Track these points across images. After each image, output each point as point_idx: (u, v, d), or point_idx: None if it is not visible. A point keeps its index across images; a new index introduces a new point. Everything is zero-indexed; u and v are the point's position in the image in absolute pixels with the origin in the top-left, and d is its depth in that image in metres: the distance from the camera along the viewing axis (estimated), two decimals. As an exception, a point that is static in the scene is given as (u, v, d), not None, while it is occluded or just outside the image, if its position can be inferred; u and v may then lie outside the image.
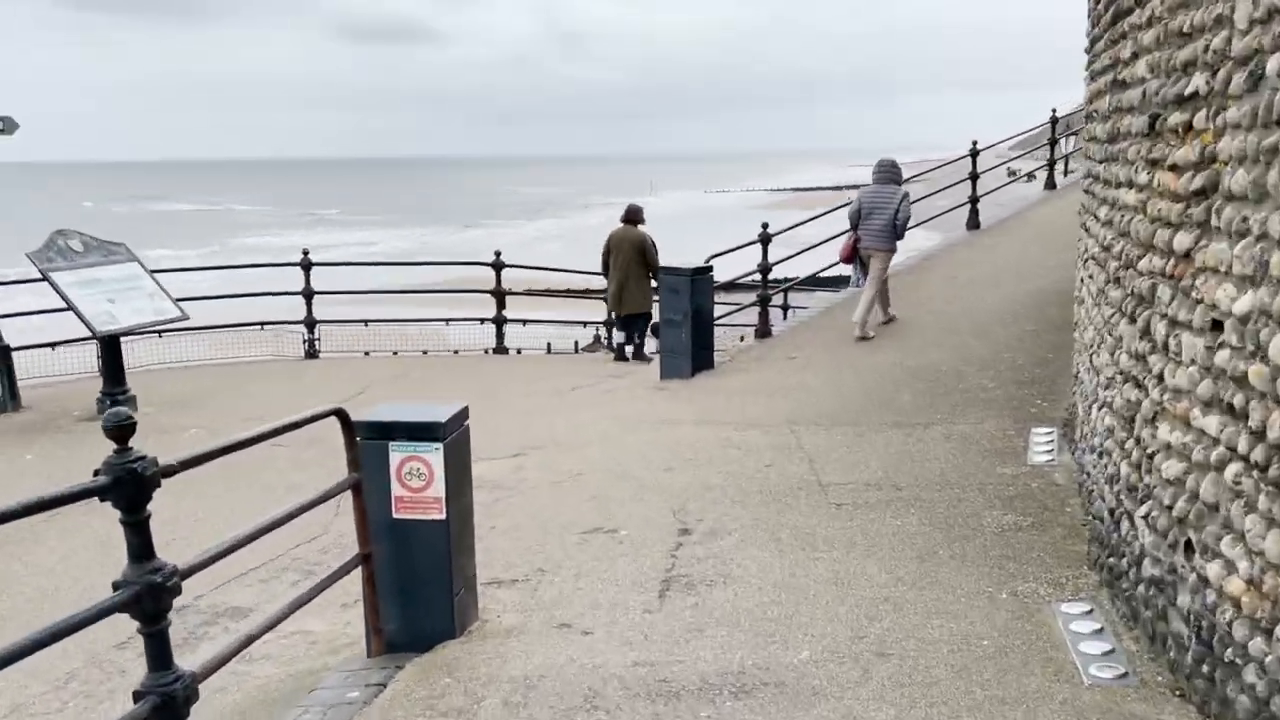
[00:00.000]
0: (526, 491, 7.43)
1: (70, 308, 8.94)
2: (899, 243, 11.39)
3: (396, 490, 4.96)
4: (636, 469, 7.73)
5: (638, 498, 7.03)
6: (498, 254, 12.78)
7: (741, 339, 13.22)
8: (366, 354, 12.66)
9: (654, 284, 12.10)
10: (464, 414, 5.21)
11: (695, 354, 10.77)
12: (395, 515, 4.97)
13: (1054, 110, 18.95)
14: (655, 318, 12.18)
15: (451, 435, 5.02)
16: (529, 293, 14.27)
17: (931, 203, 15.71)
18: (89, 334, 9.79)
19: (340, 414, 4.71)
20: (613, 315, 12.93)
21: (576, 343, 20.39)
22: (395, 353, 12.72)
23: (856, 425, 8.39)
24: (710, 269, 10.95)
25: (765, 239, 11.94)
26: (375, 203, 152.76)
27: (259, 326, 12.30)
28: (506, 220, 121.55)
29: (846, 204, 16.77)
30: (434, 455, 4.93)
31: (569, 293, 16.12)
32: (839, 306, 12.98)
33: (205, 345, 12.39)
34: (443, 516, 4.95)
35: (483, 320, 13.02)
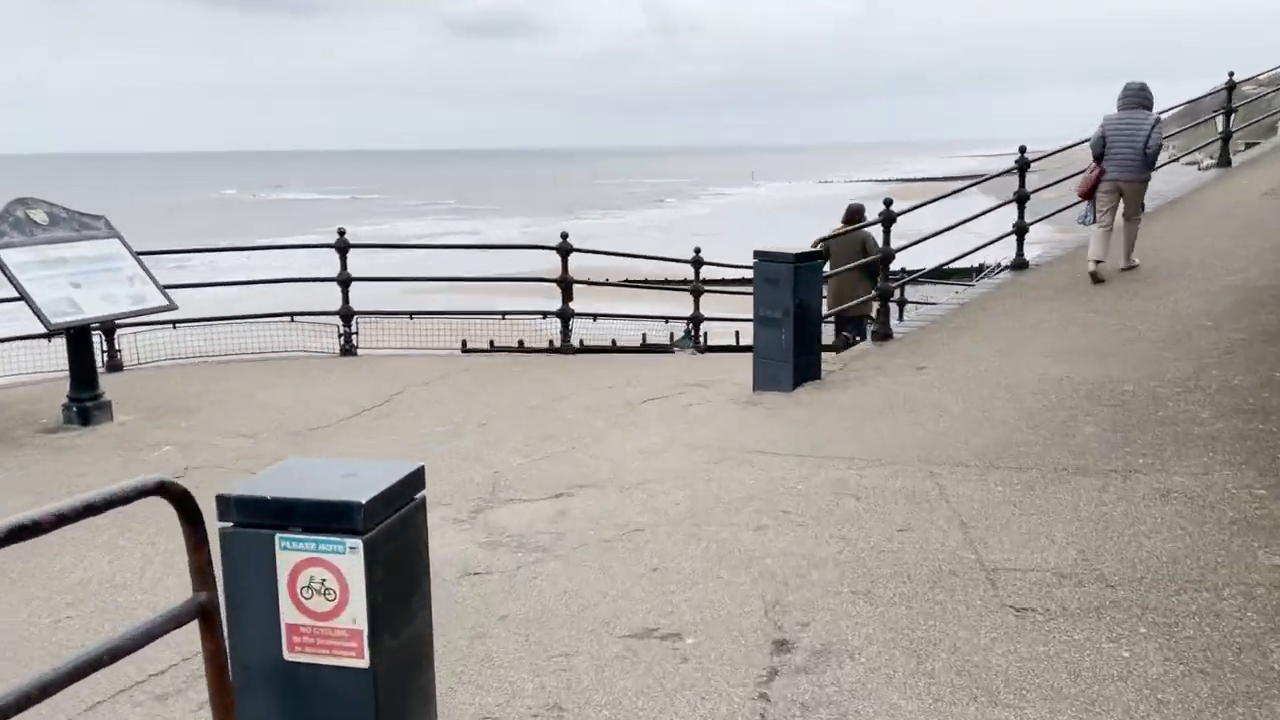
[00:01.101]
0: (565, 554, 5.33)
1: (20, 294, 7.15)
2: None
3: (289, 614, 2.91)
4: (716, 524, 5.58)
5: (714, 573, 4.89)
6: (564, 235, 10.72)
7: (849, 340, 10.92)
8: (412, 351, 10.76)
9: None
10: (413, 482, 3.12)
11: (798, 361, 8.55)
12: (286, 656, 2.93)
13: (1230, 75, 16.06)
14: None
15: (383, 523, 2.93)
16: (594, 283, 12.15)
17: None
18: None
19: (169, 491, 2.64)
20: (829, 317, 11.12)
21: (671, 335, 18.23)
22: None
23: (1022, 469, 6.08)
24: (820, 255, 8.69)
25: (888, 219, 9.61)
26: (480, 193, 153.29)
27: (288, 319, 10.50)
28: (608, 210, 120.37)
29: (971, 184, 14.44)
30: (348, 560, 2.85)
31: (647, 283, 13.91)
32: (976, 303, 10.57)
33: (226, 339, 10.62)
34: (364, 663, 2.89)
35: (545, 314, 11.00)
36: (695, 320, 12.13)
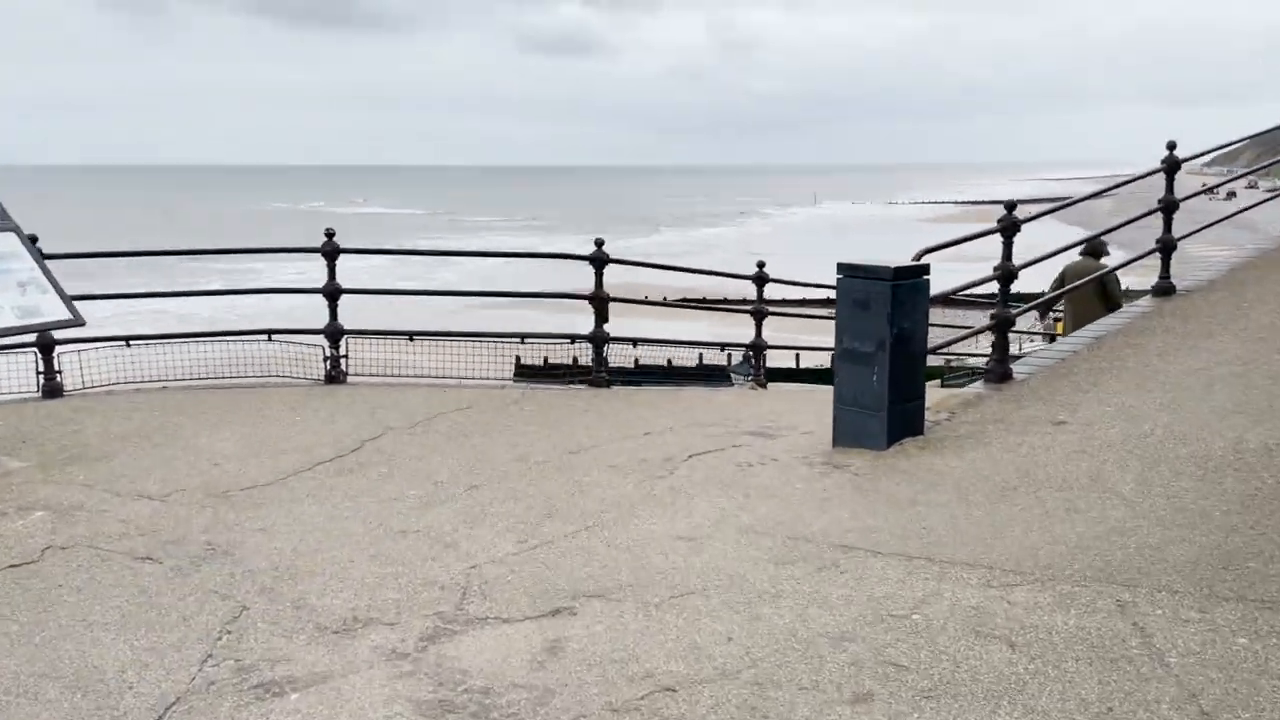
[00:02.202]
0: (545, 733, 3.27)
1: None
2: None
3: None
4: (789, 686, 3.50)
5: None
6: (599, 243, 8.67)
7: (947, 375, 8.72)
8: (415, 380, 8.77)
9: None
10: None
11: (895, 410, 6.39)
12: None
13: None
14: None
15: None
16: (632, 300, 10.05)
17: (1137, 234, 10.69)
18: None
19: None
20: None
21: (729, 358, 16.24)
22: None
23: (1266, 602, 3.89)
24: (925, 270, 6.50)
25: (1010, 226, 7.40)
26: (546, 208, 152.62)
27: (265, 337, 8.57)
28: (670, 226, 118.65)
29: (1096, 194, 12.12)
30: None
31: (696, 302, 11.72)
32: (1117, 338, 8.29)
33: (198, 360, 8.74)
34: None
35: (573, 339, 8.93)
36: (757, 349, 10.02)
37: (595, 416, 7.70)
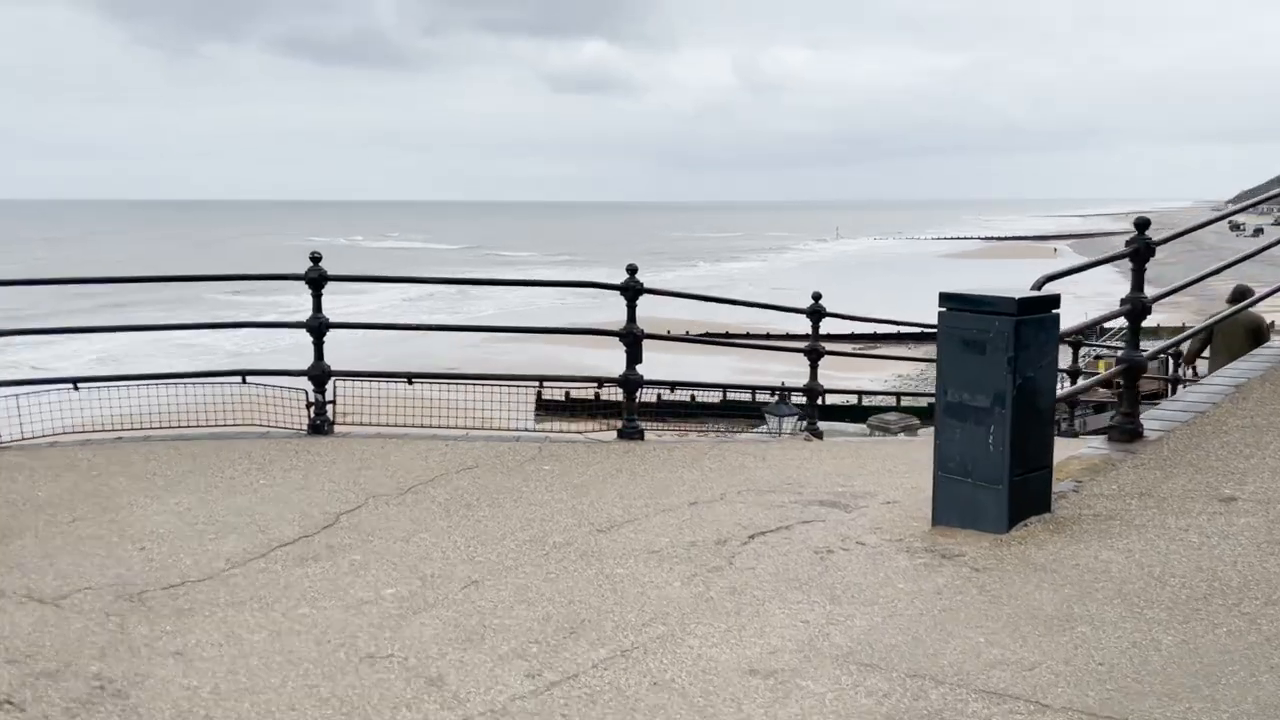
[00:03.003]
0: None
1: None
2: None
3: None
4: None
5: None
6: (632, 270, 7.24)
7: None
8: (416, 428, 7.33)
9: None
10: None
11: (1018, 482, 4.90)
12: None
13: None
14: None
15: None
16: (670, 337, 8.59)
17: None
18: None
19: None
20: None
21: (774, 392, 14.82)
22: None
23: None
24: (1055, 303, 5.01)
25: (1142, 250, 5.91)
26: (574, 243, 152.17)
27: (239, 380, 7.18)
28: (696, 261, 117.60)
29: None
30: None
31: (747, 339, 10.21)
32: (1267, 381, 6.75)
33: (159, 405, 7.34)
34: None
35: (600, 383, 7.48)
36: (812, 394, 8.55)
37: (628, 478, 6.24)
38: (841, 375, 44.55)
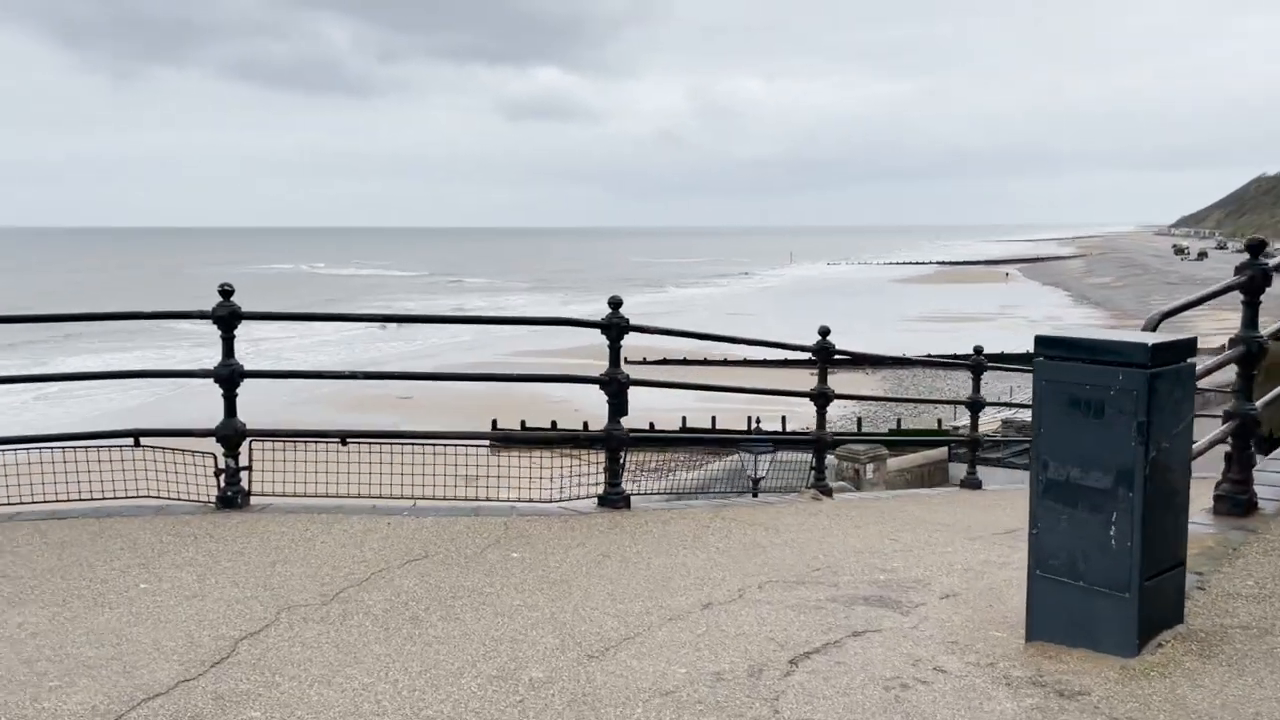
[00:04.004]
0: None
1: None
2: None
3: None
4: None
5: None
6: (615, 304, 5.89)
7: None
8: (352, 499, 5.90)
9: None
10: None
11: (1150, 588, 3.65)
12: None
13: None
14: None
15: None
16: (663, 384, 7.22)
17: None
18: None
19: None
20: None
21: (750, 421, 13.84)
22: (415, 502, 5.82)
23: None
24: (1192, 349, 3.77)
25: (1258, 276, 4.69)
26: (521, 270, 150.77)
27: (131, 443, 5.73)
28: (654, 287, 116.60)
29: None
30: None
31: (746, 389, 8.84)
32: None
33: (36, 472, 5.86)
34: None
35: (576, 439, 6.09)
36: (820, 445, 7.26)
37: (618, 567, 4.88)
38: (801, 402, 43.66)
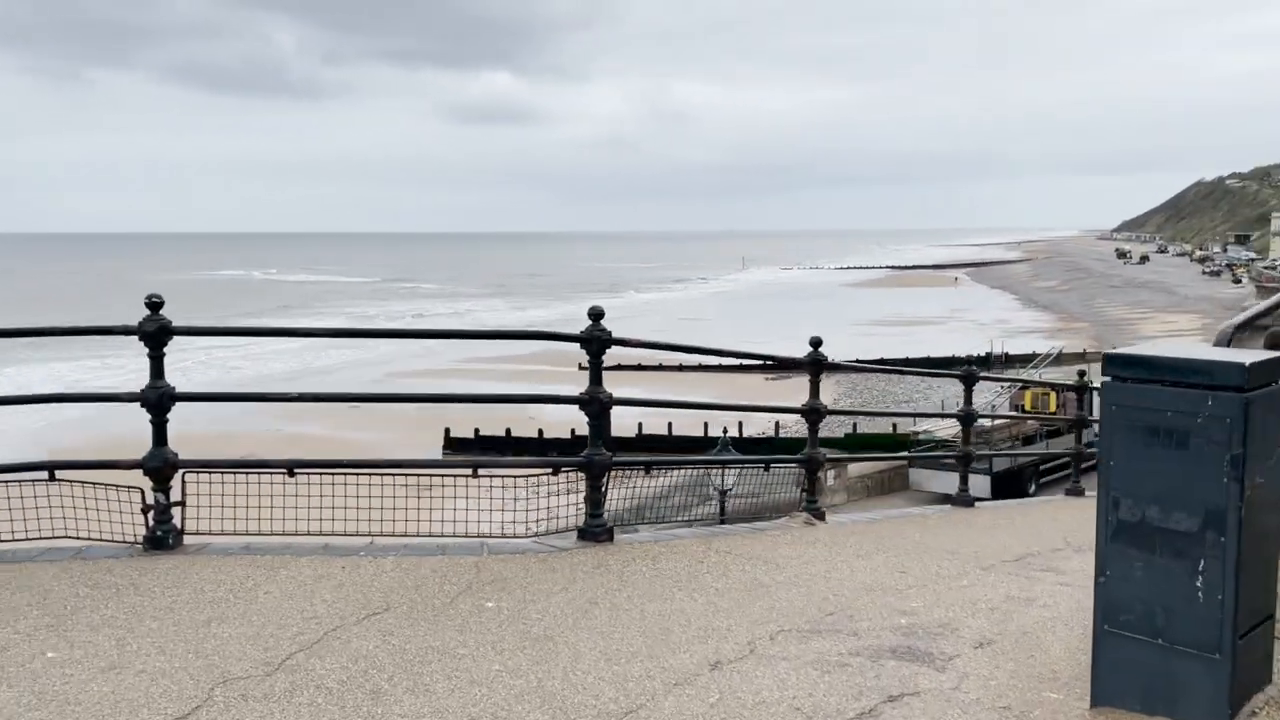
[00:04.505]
0: None
1: None
2: None
3: None
4: None
5: None
6: (596, 315, 5.26)
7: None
8: (300, 537, 5.20)
9: None
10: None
11: (1241, 643, 3.11)
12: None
13: None
14: None
15: None
16: (644, 402, 6.62)
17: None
18: None
19: None
20: None
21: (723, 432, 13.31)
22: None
23: None
24: (1285, 367, 3.27)
25: None
26: (470, 276, 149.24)
27: (45, 476, 4.99)
28: (611, 292, 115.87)
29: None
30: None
31: (736, 406, 8.24)
32: None
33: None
34: None
35: (556, 468, 5.45)
36: (813, 465, 6.69)
37: (608, 616, 4.26)
38: (748, 404, 43.26)
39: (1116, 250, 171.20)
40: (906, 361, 50.84)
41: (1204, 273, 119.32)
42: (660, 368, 48.22)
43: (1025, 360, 53.28)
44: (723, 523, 13.23)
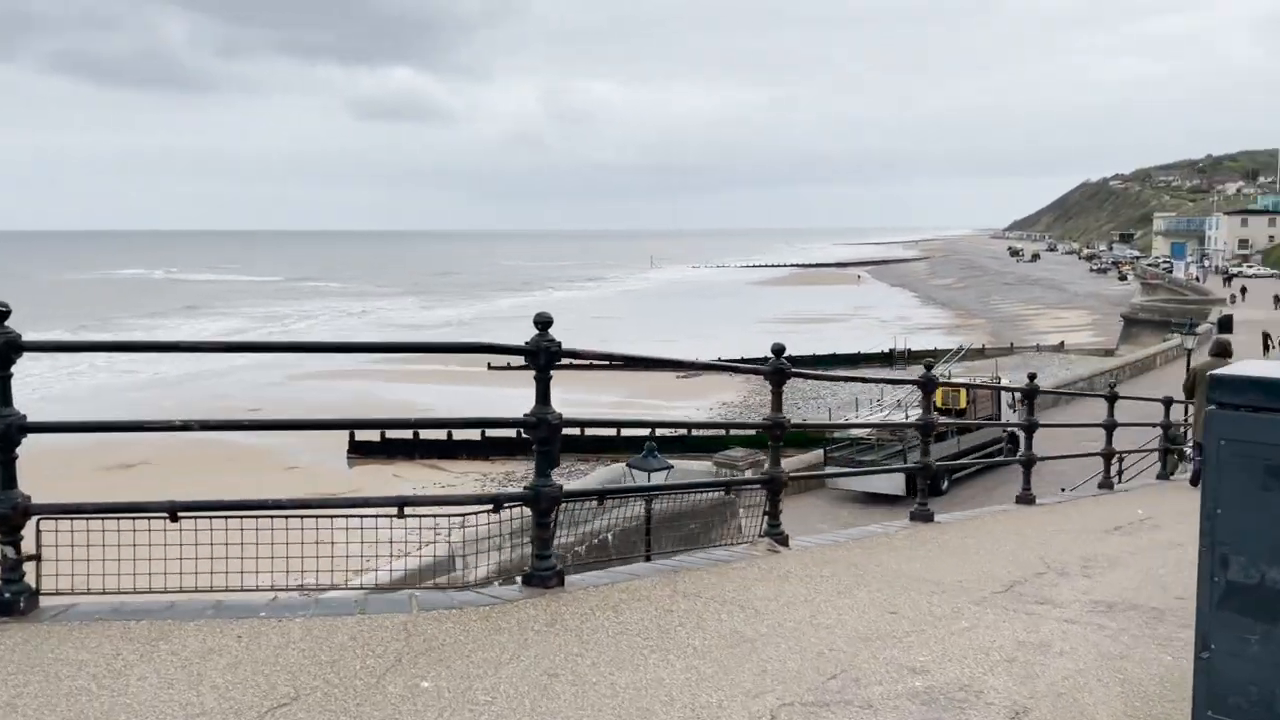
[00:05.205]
0: None
1: None
2: None
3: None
4: None
5: None
6: (543, 323, 4.42)
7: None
8: (185, 595, 4.26)
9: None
10: None
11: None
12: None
13: None
14: None
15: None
16: (592, 423, 5.78)
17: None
18: None
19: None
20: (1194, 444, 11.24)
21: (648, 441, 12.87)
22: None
23: None
24: None
25: None
26: (377, 275, 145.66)
27: None
28: (517, 291, 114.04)
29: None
30: None
31: (702, 424, 7.44)
32: None
33: None
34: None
35: (497, 504, 4.55)
36: (776, 485, 5.97)
37: (572, 693, 3.45)
38: (665, 404, 42.55)
39: (1009, 248, 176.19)
40: (817, 360, 50.82)
41: (1092, 270, 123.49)
42: (590, 366, 47.32)
43: (927, 356, 53.88)
44: (648, 524, 12.47)
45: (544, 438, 4.48)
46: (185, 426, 4.12)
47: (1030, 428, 9.32)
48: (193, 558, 4.23)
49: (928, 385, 7.60)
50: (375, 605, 4.14)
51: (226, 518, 4.19)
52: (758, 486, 6.13)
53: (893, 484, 22.34)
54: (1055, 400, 26.82)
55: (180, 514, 4.09)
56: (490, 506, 4.49)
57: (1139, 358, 41.38)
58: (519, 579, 4.57)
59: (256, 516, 4.19)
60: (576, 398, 33.19)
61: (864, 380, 15.03)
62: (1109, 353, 54.73)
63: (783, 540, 6.04)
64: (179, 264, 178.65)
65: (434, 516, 4.53)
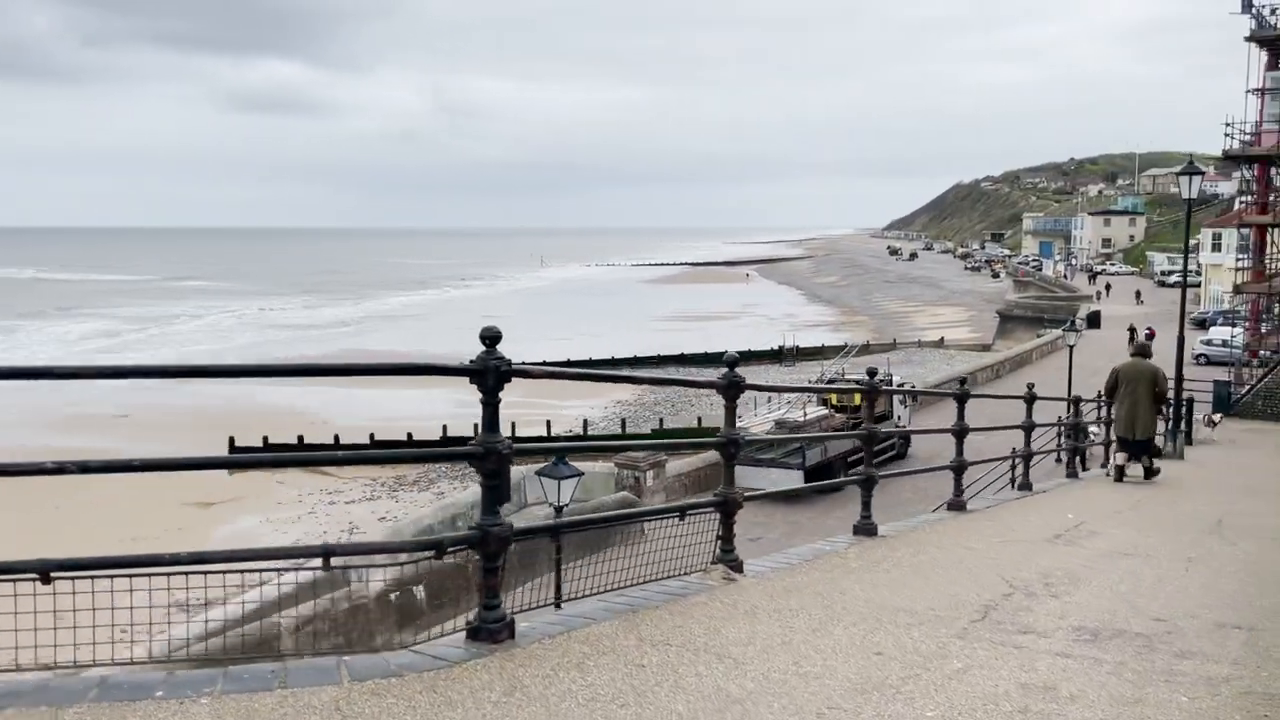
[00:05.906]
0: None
1: None
2: None
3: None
4: None
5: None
6: (490, 338, 3.80)
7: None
8: (80, 670, 3.48)
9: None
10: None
11: None
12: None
13: None
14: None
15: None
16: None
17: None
18: None
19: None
20: (1118, 439, 12.16)
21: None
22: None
23: None
24: None
25: None
26: (256, 273, 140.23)
27: None
28: (410, 289, 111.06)
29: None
30: None
31: (656, 440, 6.84)
32: None
33: None
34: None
35: (438, 550, 3.90)
36: (729, 506, 5.47)
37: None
38: (559, 403, 41.48)
39: (889, 247, 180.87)
40: (706, 357, 50.68)
41: (966, 268, 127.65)
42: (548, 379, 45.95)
43: (816, 354, 54.41)
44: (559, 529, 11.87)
45: (492, 470, 3.86)
46: (59, 469, 3.35)
47: (961, 433, 9.08)
48: (71, 625, 3.46)
49: (870, 393, 7.24)
50: (298, 677, 3.45)
51: (111, 576, 3.43)
52: (710, 510, 5.61)
53: (791, 480, 22.30)
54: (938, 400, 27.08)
55: (54, 577, 3.33)
56: (432, 552, 3.84)
57: (1016, 353, 42.65)
58: (464, 632, 3.93)
59: (150, 575, 3.46)
60: (461, 397, 32.14)
61: (813, 390, 15.49)
62: (986, 348, 56.39)
63: (737, 567, 5.55)
64: (47, 262, 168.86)
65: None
